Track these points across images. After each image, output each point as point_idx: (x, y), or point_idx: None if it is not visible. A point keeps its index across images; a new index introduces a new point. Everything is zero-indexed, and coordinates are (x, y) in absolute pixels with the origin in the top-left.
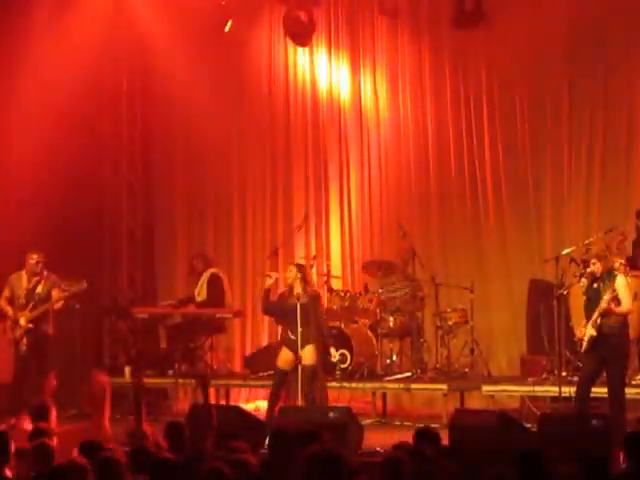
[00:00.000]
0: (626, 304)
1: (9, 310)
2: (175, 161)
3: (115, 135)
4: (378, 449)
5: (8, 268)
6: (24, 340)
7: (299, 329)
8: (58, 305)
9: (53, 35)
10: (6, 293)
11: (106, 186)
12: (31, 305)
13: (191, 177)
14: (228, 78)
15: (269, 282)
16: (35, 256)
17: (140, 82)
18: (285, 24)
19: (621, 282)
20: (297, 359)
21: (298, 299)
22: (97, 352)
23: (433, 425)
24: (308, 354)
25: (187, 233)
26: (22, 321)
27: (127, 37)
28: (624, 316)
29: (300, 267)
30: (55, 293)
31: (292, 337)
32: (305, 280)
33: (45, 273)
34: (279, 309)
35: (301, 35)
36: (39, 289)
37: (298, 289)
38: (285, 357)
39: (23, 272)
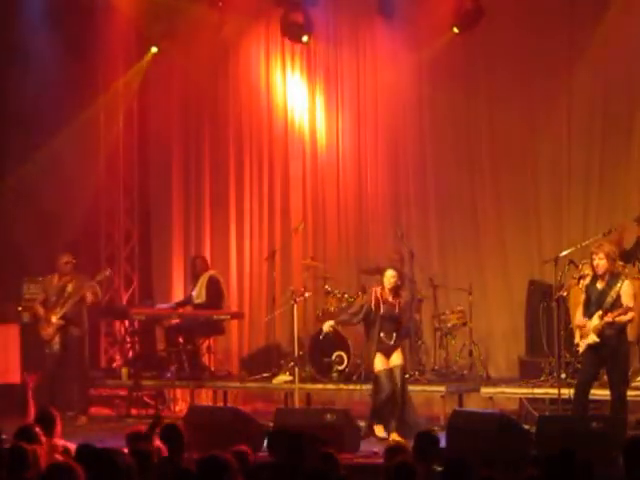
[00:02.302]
0: (629, 314)
1: (40, 310)
2: (172, 161)
3: (111, 135)
4: (376, 451)
5: (7, 268)
6: (56, 339)
7: (394, 336)
8: (91, 298)
9: (52, 35)
10: (40, 297)
11: (103, 187)
12: (61, 302)
13: (188, 178)
14: (225, 79)
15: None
16: (64, 257)
17: (137, 82)
18: (282, 26)
19: (627, 289)
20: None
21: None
22: (94, 354)
23: (431, 427)
24: (399, 355)
25: (184, 234)
26: (53, 319)
27: (124, 37)
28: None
29: (399, 274)
30: (86, 289)
31: (389, 343)
32: (401, 288)
33: (75, 273)
34: (377, 311)
35: (298, 36)
36: (69, 288)
37: (390, 297)
38: (382, 361)
39: (55, 274)
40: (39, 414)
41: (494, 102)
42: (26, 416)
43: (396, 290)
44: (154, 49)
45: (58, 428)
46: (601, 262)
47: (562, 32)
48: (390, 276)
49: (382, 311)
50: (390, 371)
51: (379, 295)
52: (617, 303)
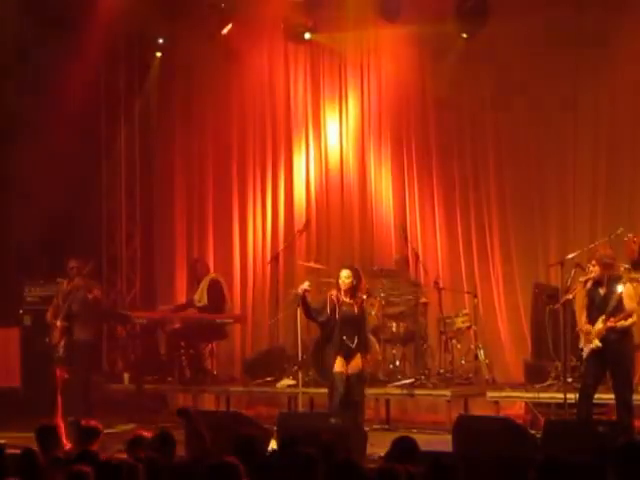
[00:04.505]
0: (629, 319)
1: (49, 316)
2: (174, 164)
3: (113, 138)
4: (382, 455)
5: (9, 271)
6: (61, 343)
7: (355, 339)
8: (94, 294)
9: (53, 36)
10: (54, 302)
11: (105, 190)
12: (66, 306)
13: (191, 180)
14: (228, 79)
15: (301, 290)
16: (70, 262)
17: (138, 85)
18: (285, 27)
19: (628, 292)
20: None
21: (356, 308)
22: (96, 358)
23: (437, 431)
24: (357, 362)
25: (187, 237)
26: (58, 322)
27: (126, 38)
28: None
29: (356, 273)
30: (87, 290)
31: (351, 345)
32: (358, 288)
33: (82, 278)
34: (333, 315)
35: (301, 35)
36: (75, 291)
37: (347, 298)
38: (341, 363)
39: (66, 279)
40: (83, 428)
41: (499, 105)
42: (54, 413)
43: (353, 291)
44: (158, 54)
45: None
46: (594, 269)
47: (569, 38)
48: (344, 277)
49: (340, 314)
50: (348, 377)
51: (335, 298)
52: (619, 307)
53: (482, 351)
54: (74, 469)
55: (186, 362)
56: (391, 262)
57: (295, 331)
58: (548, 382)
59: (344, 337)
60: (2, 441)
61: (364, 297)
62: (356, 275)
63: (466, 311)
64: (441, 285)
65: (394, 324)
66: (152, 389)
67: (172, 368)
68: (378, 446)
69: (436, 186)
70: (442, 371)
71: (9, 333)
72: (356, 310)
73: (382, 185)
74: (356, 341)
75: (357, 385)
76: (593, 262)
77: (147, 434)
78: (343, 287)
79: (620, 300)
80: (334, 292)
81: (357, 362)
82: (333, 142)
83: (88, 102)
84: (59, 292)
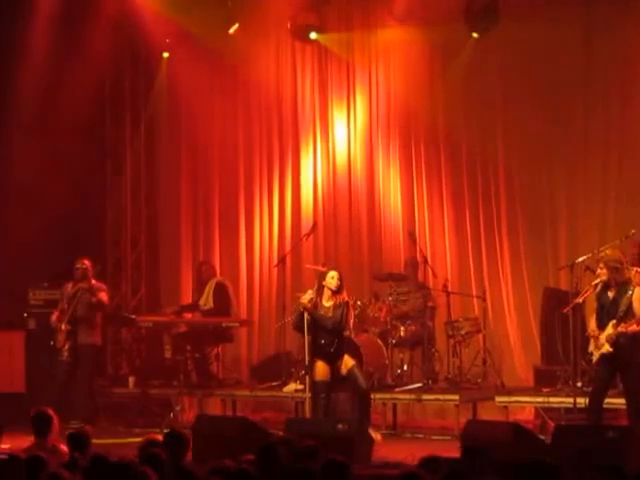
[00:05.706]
0: None
1: (53, 318)
2: (180, 167)
3: (118, 140)
4: (388, 461)
5: (13, 274)
6: (66, 346)
7: (335, 342)
8: (99, 297)
9: (58, 36)
10: (60, 305)
11: (110, 193)
12: (71, 309)
13: (196, 184)
14: (235, 82)
15: (301, 307)
16: (76, 263)
17: (144, 85)
18: (293, 26)
19: (637, 296)
20: (333, 370)
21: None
22: (101, 361)
23: (445, 437)
24: (347, 361)
25: (192, 240)
26: (63, 326)
27: (132, 38)
28: None
29: (340, 275)
30: (93, 293)
31: (330, 349)
32: (340, 291)
33: (90, 279)
34: (312, 319)
35: (307, 34)
36: (79, 294)
37: (326, 302)
38: (323, 369)
39: (71, 281)
40: (35, 415)
41: (509, 106)
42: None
43: (336, 292)
44: (166, 54)
45: (55, 429)
46: (602, 272)
47: (579, 38)
48: (336, 277)
49: (319, 313)
50: (343, 377)
51: (307, 307)
52: (630, 311)
53: (491, 355)
54: (53, 472)
55: (192, 366)
56: (399, 265)
57: (302, 335)
58: (558, 386)
59: (322, 341)
60: (6, 446)
61: (344, 299)
62: (340, 277)
63: (474, 315)
64: (450, 288)
65: (402, 328)
66: (157, 393)
67: (177, 372)
68: (384, 452)
69: (445, 188)
70: (450, 375)
71: (13, 336)
72: (331, 312)
73: (390, 187)
74: (335, 345)
75: (360, 375)
76: (601, 265)
77: (159, 437)
78: (333, 287)
79: (630, 304)
80: (305, 302)
81: (347, 361)
82: (341, 143)
83: (93, 103)
84: (64, 295)
